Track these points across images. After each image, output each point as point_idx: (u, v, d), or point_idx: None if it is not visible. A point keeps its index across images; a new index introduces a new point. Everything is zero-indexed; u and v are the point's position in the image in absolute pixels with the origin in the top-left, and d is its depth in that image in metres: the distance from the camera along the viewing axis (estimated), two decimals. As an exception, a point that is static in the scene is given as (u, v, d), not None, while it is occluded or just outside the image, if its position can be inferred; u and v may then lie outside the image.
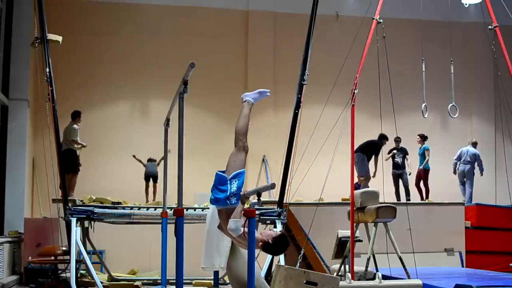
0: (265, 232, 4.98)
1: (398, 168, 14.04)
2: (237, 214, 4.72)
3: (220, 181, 4.89)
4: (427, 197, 13.93)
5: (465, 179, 14.40)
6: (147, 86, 15.97)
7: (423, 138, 14.29)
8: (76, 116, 12.09)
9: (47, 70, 8.98)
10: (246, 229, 4.61)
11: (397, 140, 14.11)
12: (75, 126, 11.90)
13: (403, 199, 13.51)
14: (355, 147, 12.59)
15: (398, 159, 14.07)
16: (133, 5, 16.18)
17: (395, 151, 14.08)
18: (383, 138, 13.06)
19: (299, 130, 9.26)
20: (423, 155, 14.21)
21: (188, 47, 15.83)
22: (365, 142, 13.07)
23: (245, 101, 5.27)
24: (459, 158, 14.56)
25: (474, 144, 14.63)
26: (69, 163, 11.54)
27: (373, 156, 13.22)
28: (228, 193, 4.81)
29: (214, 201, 4.91)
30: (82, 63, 15.68)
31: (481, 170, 14.27)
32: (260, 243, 4.85)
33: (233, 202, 4.79)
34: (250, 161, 15.86)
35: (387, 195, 9.03)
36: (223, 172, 4.95)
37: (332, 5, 16.60)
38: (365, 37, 8.99)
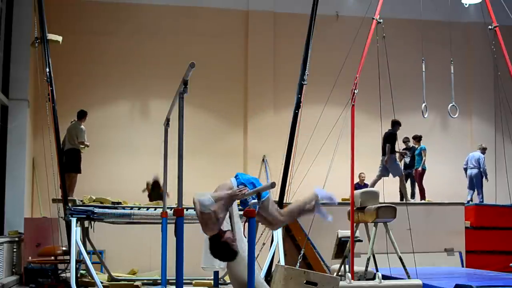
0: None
1: (407, 168, 14.13)
2: (219, 197, 4.74)
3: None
4: (423, 198, 13.94)
5: (474, 183, 14.52)
6: (147, 86, 15.97)
7: (418, 139, 14.31)
8: (83, 116, 12.11)
9: (47, 70, 8.98)
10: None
11: (406, 140, 14.20)
12: (82, 127, 11.92)
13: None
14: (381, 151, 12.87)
15: (407, 159, 14.14)
16: (133, 5, 16.17)
17: (405, 151, 14.17)
18: (396, 124, 12.97)
19: (299, 130, 9.26)
20: (419, 155, 14.24)
21: (188, 47, 15.83)
22: (384, 140, 12.99)
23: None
24: (466, 163, 14.71)
25: (483, 150, 14.73)
26: (72, 163, 11.57)
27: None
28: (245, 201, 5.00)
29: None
30: (82, 63, 15.68)
31: (484, 174, 14.33)
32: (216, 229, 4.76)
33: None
34: (250, 161, 15.88)
35: (387, 195, 9.04)
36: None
37: (332, 5, 16.60)
38: (365, 37, 8.99)
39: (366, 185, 14.05)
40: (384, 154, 13.01)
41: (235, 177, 5.22)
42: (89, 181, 13.63)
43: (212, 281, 8.51)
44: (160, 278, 7.55)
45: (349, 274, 8.02)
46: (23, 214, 12.79)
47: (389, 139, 12.87)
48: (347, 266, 8.63)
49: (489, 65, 15.19)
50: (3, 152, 12.98)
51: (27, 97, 13.34)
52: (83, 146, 11.95)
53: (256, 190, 4.80)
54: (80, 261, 9.44)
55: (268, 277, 8.51)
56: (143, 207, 9.56)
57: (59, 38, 10.55)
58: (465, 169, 14.78)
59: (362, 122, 14.32)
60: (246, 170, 15.08)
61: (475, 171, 14.45)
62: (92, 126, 14.15)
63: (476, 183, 14.44)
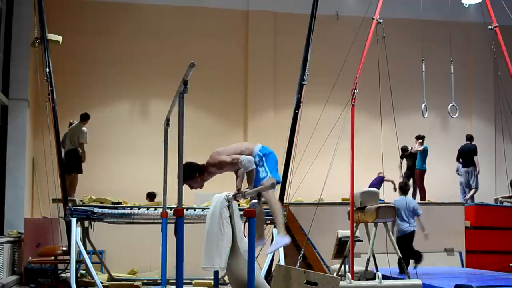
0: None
1: (408, 169, 14.18)
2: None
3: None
4: (423, 199, 13.94)
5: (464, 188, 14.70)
6: (147, 86, 15.97)
7: (422, 139, 14.33)
8: (86, 118, 12.19)
9: (47, 70, 8.97)
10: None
11: (405, 148, 14.26)
12: (84, 128, 11.98)
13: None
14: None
15: (410, 162, 14.20)
16: (133, 5, 16.18)
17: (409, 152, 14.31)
18: (472, 139, 14.35)
19: (299, 130, 9.26)
20: (420, 155, 14.27)
21: (188, 47, 15.84)
22: (469, 153, 14.04)
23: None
24: (457, 169, 14.95)
25: None
26: (73, 163, 11.59)
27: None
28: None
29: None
30: (82, 63, 15.68)
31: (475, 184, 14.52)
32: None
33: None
34: (250, 161, 15.87)
35: (387, 195, 9.04)
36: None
37: (332, 5, 16.61)
38: (365, 37, 8.98)
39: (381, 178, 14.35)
40: (468, 166, 14.10)
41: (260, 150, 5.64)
42: (89, 181, 13.64)
43: (212, 281, 8.52)
44: (160, 278, 7.54)
45: (349, 274, 8.01)
46: (23, 214, 12.79)
47: (475, 152, 14.06)
48: (347, 266, 8.63)
49: (489, 65, 15.20)
50: (3, 152, 12.98)
51: (27, 97, 13.34)
52: (81, 150, 11.98)
53: (256, 190, 4.80)
54: (80, 261, 9.43)
55: (268, 277, 8.50)
56: (143, 207, 9.55)
57: (59, 38, 10.53)
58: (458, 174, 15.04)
59: (362, 122, 14.33)
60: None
61: (463, 177, 14.63)
62: (92, 126, 14.12)
63: (467, 187, 14.60)
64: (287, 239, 5.33)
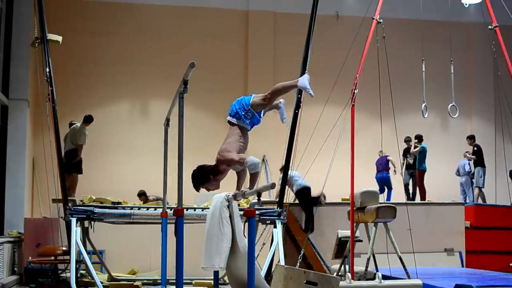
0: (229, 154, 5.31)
1: (410, 168, 14.16)
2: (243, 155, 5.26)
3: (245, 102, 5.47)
4: (423, 199, 13.95)
5: (465, 189, 14.77)
6: (147, 86, 15.97)
7: (420, 139, 14.33)
8: (89, 120, 12.09)
9: (47, 70, 8.97)
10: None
11: (408, 139, 14.24)
12: (86, 130, 11.96)
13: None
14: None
15: (410, 160, 14.17)
16: (133, 5, 16.18)
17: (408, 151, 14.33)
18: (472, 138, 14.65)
19: (299, 130, 9.26)
20: (419, 155, 14.29)
21: (188, 47, 15.84)
22: (477, 154, 14.24)
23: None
24: (458, 170, 15.04)
25: (469, 158, 14.99)
26: (73, 163, 11.59)
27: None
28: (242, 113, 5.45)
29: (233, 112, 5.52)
30: (82, 63, 15.69)
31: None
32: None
33: (246, 121, 5.47)
34: (250, 161, 15.88)
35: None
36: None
37: (332, 5, 16.61)
38: (365, 37, 8.98)
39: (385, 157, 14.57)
40: (480, 165, 14.28)
41: (231, 115, 5.55)
42: (89, 181, 13.64)
43: (212, 281, 8.52)
44: (160, 278, 7.55)
45: (349, 274, 8.01)
46: (23, 214, 12.79)
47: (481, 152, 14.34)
48: (347, 266, 8.63)
49: (489, 65, 15.21)
50: (3, 152, 12.98)
51: (27, 97, 13.34)
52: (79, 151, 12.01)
53: (255, 190, 4.81)
54: (80, 261, 9.43)
55: (268, 277, 8.50)
56: (143, 207, 9.55)
57: (59, 38, 10.52)
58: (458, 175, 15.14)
59: (362, 122, 14.33)
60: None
61: (464, 178, 14.71)
62: (92, 126, 14.16)
63: (466, 188, 14.61)
64: (305, 75, 5.50)
